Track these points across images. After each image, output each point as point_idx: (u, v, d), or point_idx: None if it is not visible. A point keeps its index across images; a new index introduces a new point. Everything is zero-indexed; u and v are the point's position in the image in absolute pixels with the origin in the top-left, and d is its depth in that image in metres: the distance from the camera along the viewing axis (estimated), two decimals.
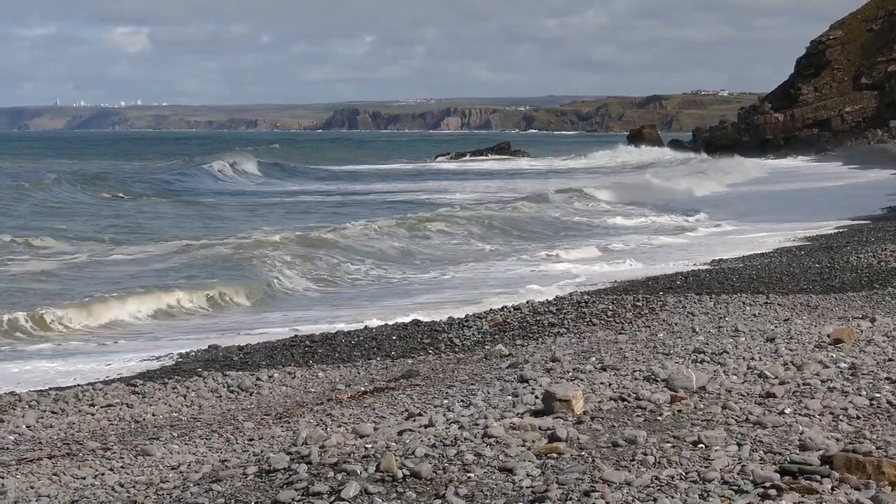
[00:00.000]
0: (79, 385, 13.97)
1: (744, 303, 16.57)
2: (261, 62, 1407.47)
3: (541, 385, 9.56)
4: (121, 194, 54.66)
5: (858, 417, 7.49)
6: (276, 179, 76.56)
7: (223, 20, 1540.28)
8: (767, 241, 29.73)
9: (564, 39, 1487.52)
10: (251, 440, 9.94)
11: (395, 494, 6.50)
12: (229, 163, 79.14)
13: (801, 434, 7.00)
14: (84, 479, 8.79)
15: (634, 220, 40.01)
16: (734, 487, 6.15)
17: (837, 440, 6.89)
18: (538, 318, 16.39)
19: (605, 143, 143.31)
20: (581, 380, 9.65)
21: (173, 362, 15.61)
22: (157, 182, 66.19)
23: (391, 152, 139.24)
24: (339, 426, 9.69)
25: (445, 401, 10.10)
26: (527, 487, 6.39)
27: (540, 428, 7.41)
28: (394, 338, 16.05)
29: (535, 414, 7.92)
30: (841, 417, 7.48)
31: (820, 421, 7.42)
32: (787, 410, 7.65)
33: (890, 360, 9.49)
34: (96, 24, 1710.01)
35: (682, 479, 6.34)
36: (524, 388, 9.68)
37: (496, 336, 15.70)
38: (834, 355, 9.80)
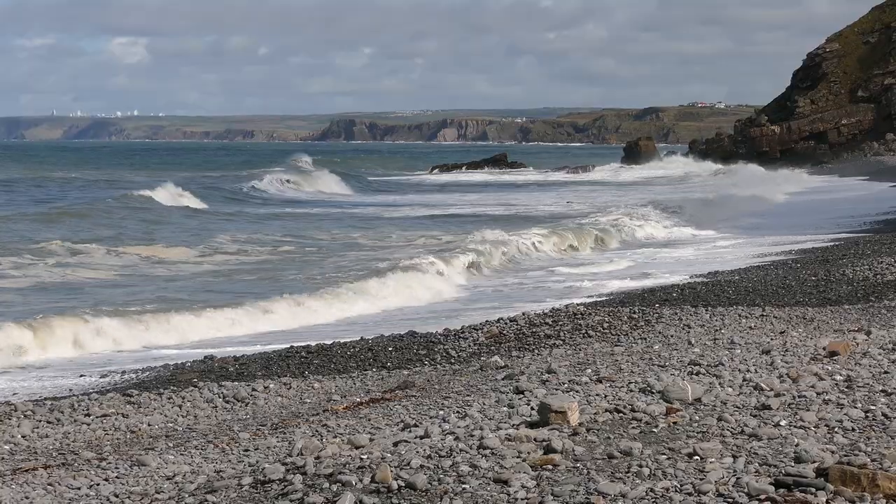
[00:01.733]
0: (74, 395, 13.95)
1: (740, 315, 16.58)
2: (259, 74, 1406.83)
3: (536, 397, 9.57)
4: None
5: (854, 430, 7.49)
6: (373, 192, 75.67)
7: (223, 32, 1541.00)
8: (770, 252, 29.72)
9: (564, 52, 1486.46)
10: (246, 451, 9.92)
11: None
12: (285, 178, 77.64)
13: (796, 446, 7.01)
14: (79, 489, 8.77)
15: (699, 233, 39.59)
16: (729, 500, 6.15)
17: (832, 452, 6.89)
18: (534, 329, 16.39)
19: (607, 154, 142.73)
20: (577, 391, 9.66)
21: (169, 373, 15.59)
22: (238, 192, 65.46)
23: (397, 163, 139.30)
24: (335, 437, 9.68)
25: (441, 412, 10.10)
26: (522, 499, 6.39)
27: (535, 439, 7.41)
28: (390, 349, 16.04)
29: (531, 425, 7.93)
30: (836, 430, 7.49)
31: (815, 433, 7.42)
32: (783, 423, 7.66)
33: (885, 372, 9.51)
34: (96, 36, 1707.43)
35: (677, 491, 6.34)
36: (520, 399, 9.69)
37: (492, 347, 15.70)
38: (829, 368, 9.83)
